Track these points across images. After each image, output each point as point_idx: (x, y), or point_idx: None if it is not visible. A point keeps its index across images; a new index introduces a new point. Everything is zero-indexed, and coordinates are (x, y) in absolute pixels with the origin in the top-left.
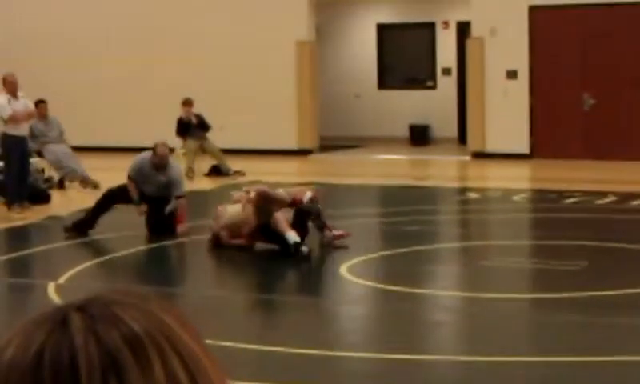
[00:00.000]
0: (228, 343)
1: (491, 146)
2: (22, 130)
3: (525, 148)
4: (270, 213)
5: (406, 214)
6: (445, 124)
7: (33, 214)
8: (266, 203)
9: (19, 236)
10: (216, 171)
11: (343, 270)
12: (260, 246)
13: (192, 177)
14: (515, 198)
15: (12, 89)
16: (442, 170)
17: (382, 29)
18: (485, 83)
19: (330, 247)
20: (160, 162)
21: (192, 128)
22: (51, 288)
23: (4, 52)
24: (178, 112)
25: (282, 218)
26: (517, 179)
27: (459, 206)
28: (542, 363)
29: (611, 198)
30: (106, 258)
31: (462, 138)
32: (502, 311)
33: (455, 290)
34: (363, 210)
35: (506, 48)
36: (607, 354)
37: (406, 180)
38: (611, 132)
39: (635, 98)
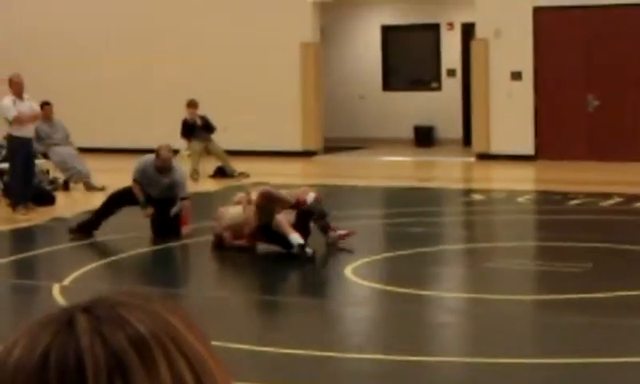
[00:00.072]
0: (233, 345)
1: (496, 148)
2: (28, 131)
3: (529, 149)
4: (272, 213)
5: (410, 215)
6: (449, 125)
7: (38, 216)
8: (269, 203)
9: (24, 237)
10: (221, 173)
11: (348, 271)
12: (263, 247)
13: (197, 178)
14: (520, 199)
15: (18, 90)
16: (446, 171)
17: (387, 30)
18: (489, 84)
19: (336, 248)
20: (163, 165)
21: (197, 130)
22: (56, 289)
23: (5, 53)
24: (182, 114)
25: (284, 219)
26: (521, 180)
27: (464, 208)
28: (546, 365)
29: (616, 200)
30: (111, 259)
31: (467, 139)
32: (506, 313)
33: (460, 292)
34: (368, 211)
35: (511, 49)
36: (612, 355)
37: (410, 181)
38: (616, 133)
39: None
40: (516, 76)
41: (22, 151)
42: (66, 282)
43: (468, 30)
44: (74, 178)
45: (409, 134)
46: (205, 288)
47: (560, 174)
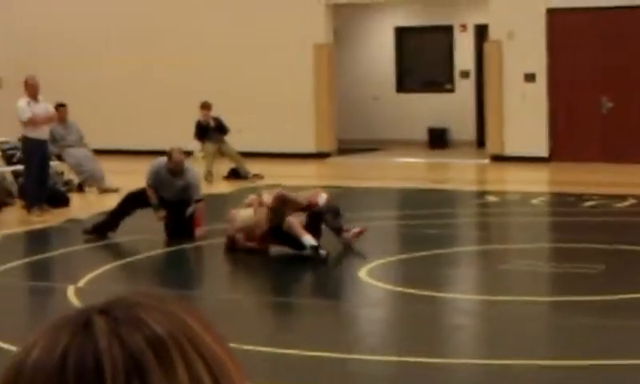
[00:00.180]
0: (247, 346)
1: (510, 149)
2: (42, 133)
3: (543, 151)
4: (283, 216)
5: (424, 217)
6: (463, 127)
7: (52, 217)
8: (282, 206)
9: (39, 239)
10: (234, 174)
11: (362, 273)
12: (276, 249)
13: (211, 180)
14: (534, 201)
15: (33, 92)
16: (460, 173)
17: (400, 32)
18: (503, 86)
19: (350, 247)
20: (176, 168)
21: (210, 131)
22: (71, 291)
23: (19, 54)
24: (196, 115)
25: (296, 221)
26: (535, 182)
27: (478, 210)
28: (559, 367)
29: (630, 202)
30: (126, 261)
31: (481, 141)
32: (520, 314)
33: (473, 294)
34: (382, 213)
35: (524, 51)
36: (625, 357)
37: (424, 183)
38: (630, 135)
39: None
40: (529, 78)
41: (36, 153)
42: (81, 283)
43: (481, 32)
44: (88, 182)
45: (422, 135)
46: (218, 290)
47: (574, 176)
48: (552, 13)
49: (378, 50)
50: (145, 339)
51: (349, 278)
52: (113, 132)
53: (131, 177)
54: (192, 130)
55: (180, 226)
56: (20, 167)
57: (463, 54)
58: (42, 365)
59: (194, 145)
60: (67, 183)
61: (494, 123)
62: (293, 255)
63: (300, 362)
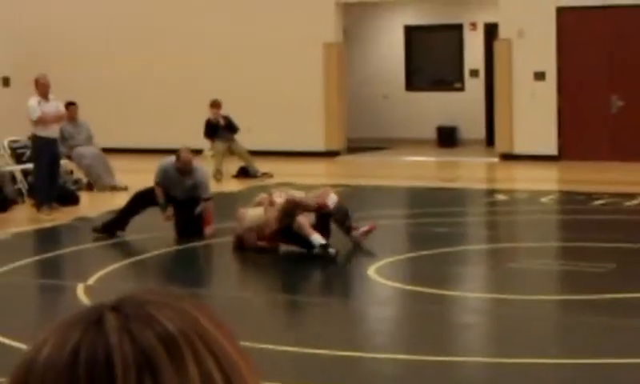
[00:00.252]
0: (256, 344)
1: (519, 148)
2: (52, 131)
3: (553, 150)
4: (293, 217)
5: (433, 215)
6: (472, 126)
7: (62, 216)
8: (292, 209)
9: (48, 237)
10: (244, 173)
11: (371, 271)
12: (285, 247)
13: (220, 179)
14: (543, 199)
15: (43, 91)
16: (469, 171)
17: (410, 30)
18: (512, 85)
19: (359, 247)
20: (184, 167)
21: (220, 130)
22: (80, 289)
23: (30, 53)
24: (205, 114)
25: (306, 221)
26: (545, 181)
27: (487, 208)
28: (568, 365)
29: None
30: (135, 259)
31: (490, 139)
32: (529, 313)
33: (483, 292)
34: (391, 211)
35: (534, 49)
36: (634, 356)
37: (433, 182)
38: (639, 134)
39: None
40: (539, 76)
41: (46, 151)
42: (91, 281)
43: (491, 30)
44: (97, 186)
45: (432, 134)
46: (228, 288)
47: (583, 175)
48: (562, 11)
49: (388, 49)
50: (156, 336)
51: (357, 277)
52: (122, 130)
53: (140, 175)
54: (201, 128)
55: (189, 224)
56: (30, 166)
57: (473, 53)
58: (52, 362)
59: (204, 143)
60: (77, 182)
61: (504, 122)
62: (302, 254)
63: (308, 360)
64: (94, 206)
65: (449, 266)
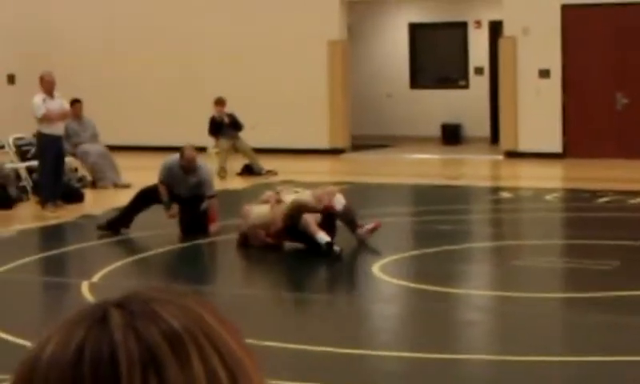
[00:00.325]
0: (260, 342)
1: (524, 146)
2: (57, 129)
3: (557, 147)
4: (299, 218)
5: (438, 213)
6: (477, 123)
7: (66, 213)
8: (298, 212)
9: (53, 235)
10: (248, 170)
11: (376, 269)
12: (290, 245)
13: (224, 176)
14: (548, 197)
15: (48, 88)
16: (474, 169)
17: (414, 28)
18: (517, 82)
19: (364, 244)
20: (188, 165)
21: (224, 127)
22: (85, 287)
23: (35, 50)
24: (209, 112)
25: (312, 219)
26: (549, 178)
27: (491, 206)
28: (573, 363)
29: None
30: (140, 256)
31: (495, 137)
32: (533, 311)
33: (487, 290)
34: (395, 209)
35: (539, 47)
36: (638, 353)
37: (438, 179)
38: None
39: None
40: (544, 74)
41: (51, 149)
42: (95, 279)
43: (496, 28)
44: (101, 183)
45: (436, 131)
46: (233, 285)
47: (588, 172)
48: (567, 9)
49: (392, 47)
50: (161, 333)
51: (362, 274)
52: (126, 128)
53: (144, 173)
54: (206, 126)
55: (194, 221)
56: (35, 163)
57: (477, 50)
58: (56, 359)
59: (208, 141)
60: (81, 179)
61: (508, 119)
62: (306, 251)
63: (312, 358)
64: (99, 203)
65: (453, 263)
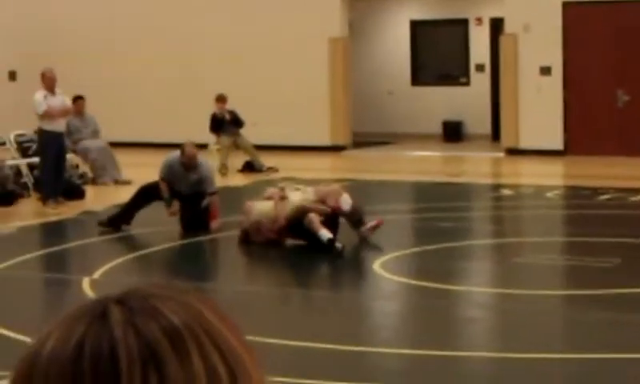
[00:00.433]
0: (260, 338)
1: (525, 143)
2: (59, 125)
3: (558, 144)
4: (304, 217)
5: (439, 210)
6: (478, 120)
7: (68, 210)
8: (304, 214)
9: (54, 231)
10: (249, 167)
11: (376, 266)
12: (292, 242)
13: (225, 173)
14: (549, 194)
15: (50, 84)
16: (475, 166)
17: (415, 25)
18: (518, 79)
19: (366, 242)
20: (189, 162)
21: (225, 124)
22: (86, 283)
23: (37, 47)
24: (211, 108)
25: (316, 217)
26: (550, 176)
27: (492, 203)
28: (574, 360)
29: None
30: (141, 253)
31: (496, 134)
32: (534, 308)
33: (488, 287)
34: (396, 206)
35: (540, 44)
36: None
37: (439, 176)
38: None
39: None
40: (545, 71)
41: (52, 145)
42: (96, 275)
43: (497, 25)
44: (100, 180)
45: (437, 129)
46: (234, 282)
47: (589, 170)
48: (568, 6)
49: (394, 44)
50: (161, 329)
51: (363, 271)
52: (127, 125)
53: (145, 170)
54: (207, 123)
55: (195, 218)
56: (36, 160)
57: (478, 48)
58: (56, 355)
59: (209, 138)
60: (82, 176)
61: (509, 116)
62: (307, 248)
63: (313, 354)
64: (100, 199)
65: (454, 260)
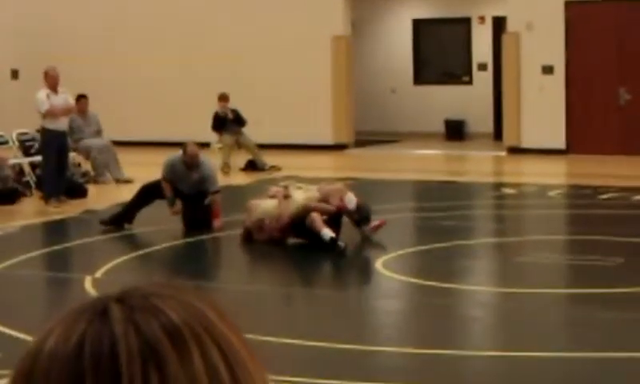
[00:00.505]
0: (262, 337)
1: (527, 142)
2: (61, 124)
3: (561, 143)
4: (307, 214)
5: (441, 209)
6: (480, 119)
7: (70, 208)
8: (309, 211)
9: (56, 230)
10: (252, 166)
11: (379, 264)
12: (294, 240)
13: (228, 172)
14: (551, 193)
15: (52, 83)
16: (477, 165)
17: (418, 24)
18: (521, 78)
19: (369, 241)
20: (191, 161)
21: (228, 123)
22: (88, 282)
23: (40, 46)
24: (213, 107)
25: (318, 217)
26: (552, 175)
27: (495, 202)
28: (576, 359)
29: None
30: (143, 251)
31: (498, 133)
32: (536, 306)
33: (490, 286)
34: (398, 204)
35: (542, 43)
36: None
37: (441, 175)
38: None
39: None
40: (547, 70)
41: (54, 144)
42: (98, 274)
43: (499, 24)
44: (101, 178)
45: (440, 127)
46: (236, 281)
47: (591, 168)
48: (570, 4)
49: (396, 42)
50: (161, 327)
51: (365, 270)
52: (129, 124)
53: (147, 168)
54: (209, 121)
55: (197, 218)
56: (38, 158)
57: (481, 46)
58: (57, 353)
59: (212, 136)
60: (85, 174)
61: (512, 115)
62: (310, 247)
63: (315, 353)
64: (102, 198)
65: (456, 259)
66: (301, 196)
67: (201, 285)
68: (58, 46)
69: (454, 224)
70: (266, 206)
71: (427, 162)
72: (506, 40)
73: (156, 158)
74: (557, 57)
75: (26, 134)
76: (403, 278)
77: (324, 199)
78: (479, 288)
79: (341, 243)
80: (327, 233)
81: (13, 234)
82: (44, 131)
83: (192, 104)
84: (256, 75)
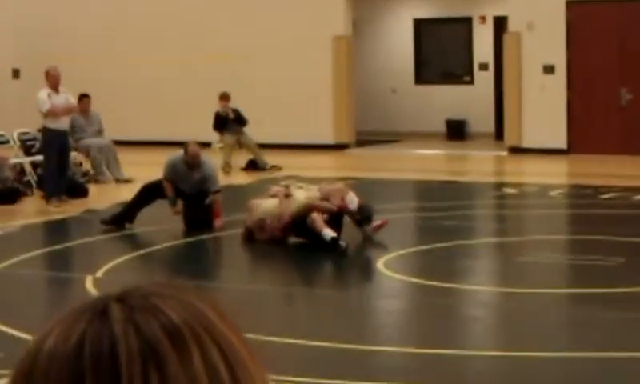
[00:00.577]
0: (264, 337)
1: (528, 142)
2: (62, 124)
3: (562, 143)
4: (309, 214)
5: (442, 209)
6: (481, 119)
7: (71, 208)
8: (310, 210)
9: (57, 229)
10: (253, 166)
11: (380, 264)
12: (295, 240)
13: (229, 171)
14: (552, 193)
15: (54, 83)
16: (478, 165)
17: (419, 23)
18: (522, 78)
19: (370, 240)
20: (192, 161)
21: (229, 122)
22: (89, 281)
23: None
24: (214, 107)
25: (319, 217)
26: (554, 174)
27: (496, 201)
28: (577, 359)
29: None
30: (144, 251)
31: (499, 133)
32: (537, 306)
33: (492, 285)
34: (400, 204)
35: (543, 43)
36: None
37: (442, 175)
38: None
39: None
40: (549, 69)
41: (56, 143)
42: (99, 273)
43: (500, 24)
44: (100, 178)
45: (441, 127)
46: (237, 280)
47: (592, 168)
48: (571, 4)
49: (397, 42)
50: (161, 327)
51: (367, 270)
52: (130, 123)
53: (148, 168)
54: (210, 121)
55: (198, 217)
56: (39, 158)
57: (482, 46)
58: (57, 352)
59: (213, 136)
60: (86, 174)
61: (513, 115)
62: (311, 246)
63: (316, 353)
64: (103, 198)
65: (458, 259)
66: (302, 195)
67: (202, 284)
68: (58, 45)
69: (455, 224)
70: (267, 205)
71: (428, 161)
72: (507, 40)
73: (157, 157)
74: (558, 57)
75: (27, 133)
76: (404, 277)
77: (325, 199)
78: (480, 288)
79: (342, 243)
80: (328, 233)
81: (13, 233)
82: (45, 131)
83: (192, 104)
84: (257, 75)
